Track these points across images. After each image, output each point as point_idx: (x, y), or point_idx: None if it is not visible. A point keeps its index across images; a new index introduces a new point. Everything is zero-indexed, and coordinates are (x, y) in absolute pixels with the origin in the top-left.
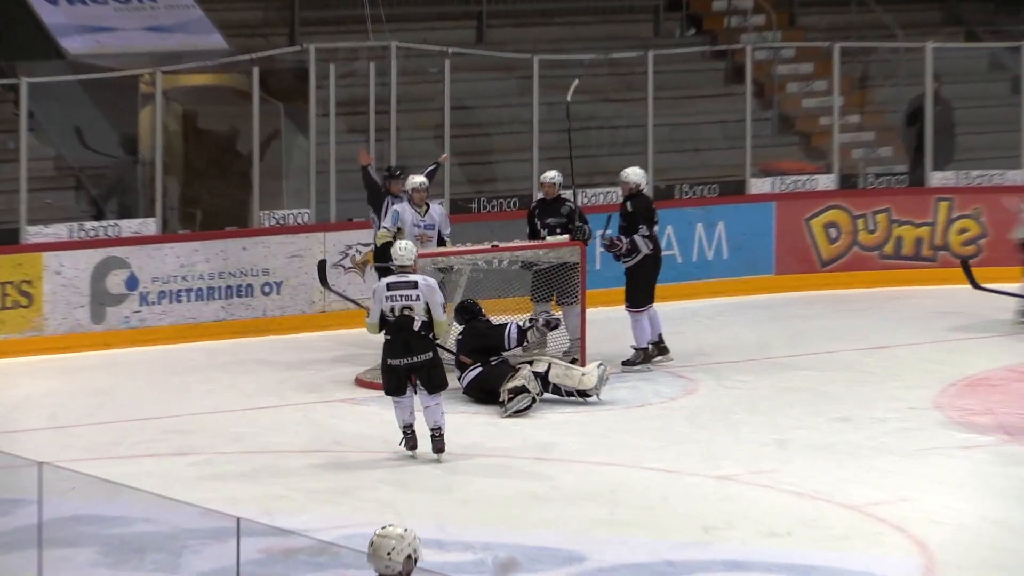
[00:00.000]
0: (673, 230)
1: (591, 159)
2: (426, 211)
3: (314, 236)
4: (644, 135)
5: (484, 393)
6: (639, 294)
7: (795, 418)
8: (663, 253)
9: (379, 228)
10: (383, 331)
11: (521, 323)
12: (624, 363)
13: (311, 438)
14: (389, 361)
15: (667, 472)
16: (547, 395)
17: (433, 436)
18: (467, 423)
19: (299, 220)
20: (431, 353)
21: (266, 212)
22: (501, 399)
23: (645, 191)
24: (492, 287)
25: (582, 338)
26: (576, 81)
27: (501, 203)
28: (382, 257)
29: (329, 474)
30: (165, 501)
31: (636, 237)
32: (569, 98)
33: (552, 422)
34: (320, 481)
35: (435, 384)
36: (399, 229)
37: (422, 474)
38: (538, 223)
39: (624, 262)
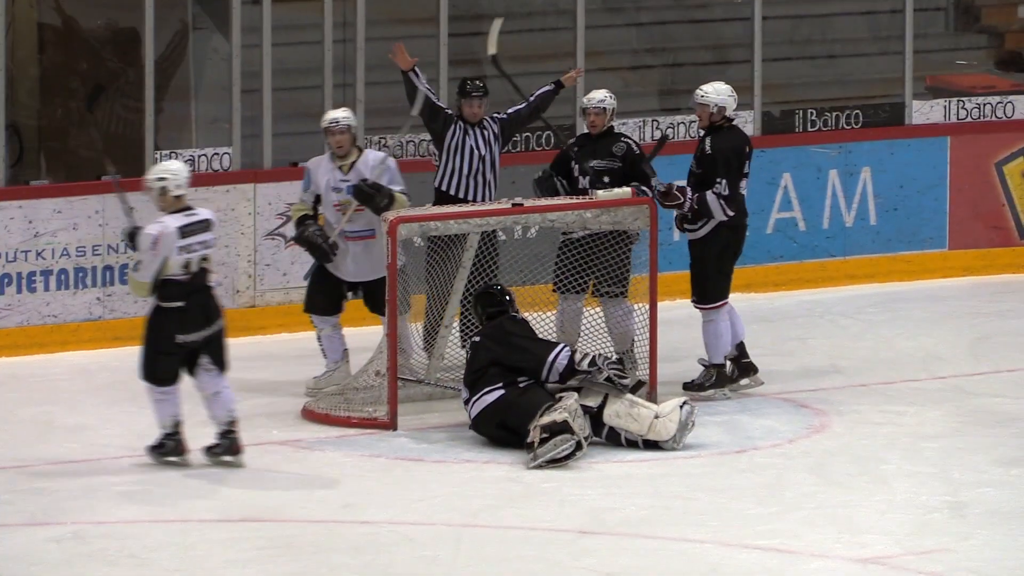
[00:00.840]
0: (792, 181)
1: (661, 71)
2: (351, 165)
3: (239, 190)
4: (748, 32)
5: (503, 430)
6: (713, 281)
7: (977, 470)
8: (780, 215)
9: (441, 169)
10: (162, 297)
11: (578, 355)
12: (687, 386)
13: (235, 501)
14: (179, 338)
15: (782, 553)
16: (595, 439)
17: (228, 434)
18: (474, 476)
19: (216, 165)
20: (222, 318)
21: (166, 153)
22: (530, 439)
23: (737, 123)
24: (512, 268)
25: (652, 355)
26: (497, 22)
27: (527, 139)
28: (313, 249)
29: (263, 556)
30: None
31: (709, 195)
32: (492, 50)
33: (605, 476)
34: (248, 568)
35: (225, 359)
36: (316, 197)
37: (405, 556)
38: (575, 168)
39: (687, 229)
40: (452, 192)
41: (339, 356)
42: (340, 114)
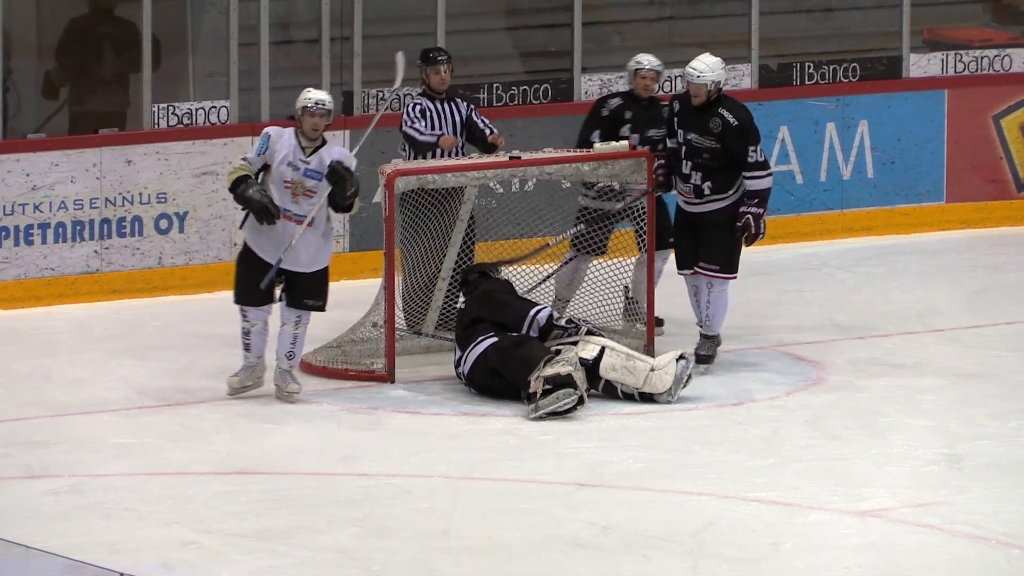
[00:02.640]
0: (789, 135)
1: (659, 25)
2: (315, 149)
3: (236, 143)
4: None
5: (497, 377)
6: (739, 251)
7: (974, 423)
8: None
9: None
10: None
11: (556, 314)
12: (701, 359)
13: (232, 454)
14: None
15: (780, 505)
16: (592, 391)
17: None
18: (472, 429)
19: (214, 119)
20: None
21: (163, 106)
22: (532, 390)
23: (736, 76)
24: (510, 221)
25: (649, 308)
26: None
27: (524, 92)
28: (257, 208)
29: (261, 509)
30: (14, 549)
31: (753, 181)
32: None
33: (602, 429)
34: (246, 520)
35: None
36: (265, 166)
37: (402, 508)
38: (631, 135)
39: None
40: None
41: (262, 351)
42: (325, 96)
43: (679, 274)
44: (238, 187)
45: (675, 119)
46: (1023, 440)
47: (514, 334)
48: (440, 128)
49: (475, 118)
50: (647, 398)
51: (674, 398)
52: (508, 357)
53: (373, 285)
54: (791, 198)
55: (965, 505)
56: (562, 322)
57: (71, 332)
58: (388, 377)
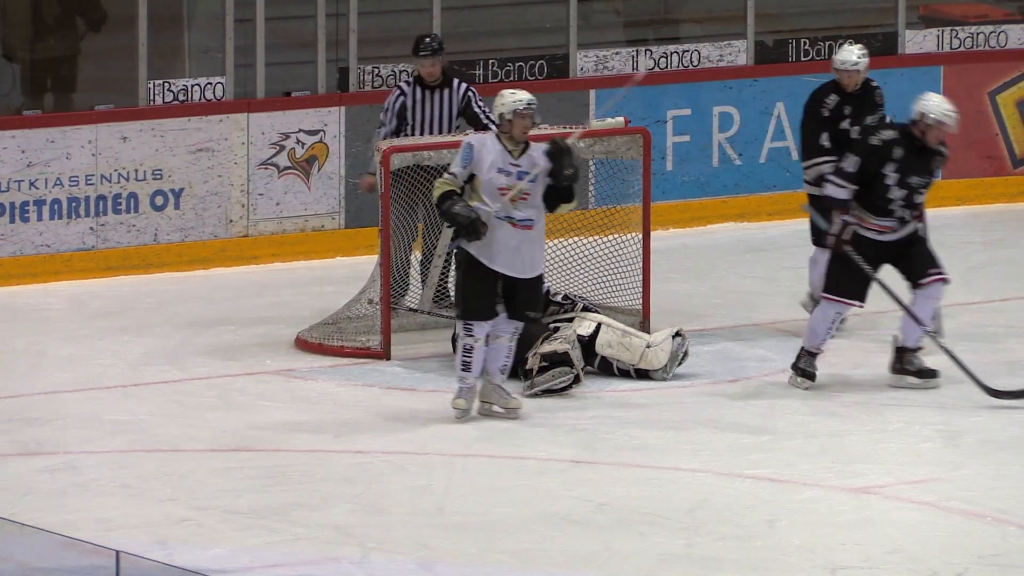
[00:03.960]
0: (785, 111)
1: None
2: (523, 151)
3: (232, 119)
4: None
5: None
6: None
7: (970, 399)
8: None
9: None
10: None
11: (552, 292)
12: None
13: (227, 431)
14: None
15: (775, 482)
16: (588, 368)
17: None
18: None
19: (209, 95)
20: None
21: (159, 83)
22: (529, 366)
23: (731, 51)
24: None
25: (645, 285)
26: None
27: (520, 68)
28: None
29: (256, 486)
30: (8, 526)
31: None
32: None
33: (599, 404)
34: (241, 497)
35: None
36: (472, 176)
37: (397, 485)
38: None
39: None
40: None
41: (481, 370)
42: (531, 96)
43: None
44: (444, 202)
45: (889, 162)
46: (1019, 417)
47: None
48: (424, 118)
49: (475, 106)
50: (643, 375)
51: (669, 375)
52: None
53: (368, 262)
54: (787, 174)
55: (961, 482)
56: (559, 298)
57: (67, 309)
58: (384, 354)
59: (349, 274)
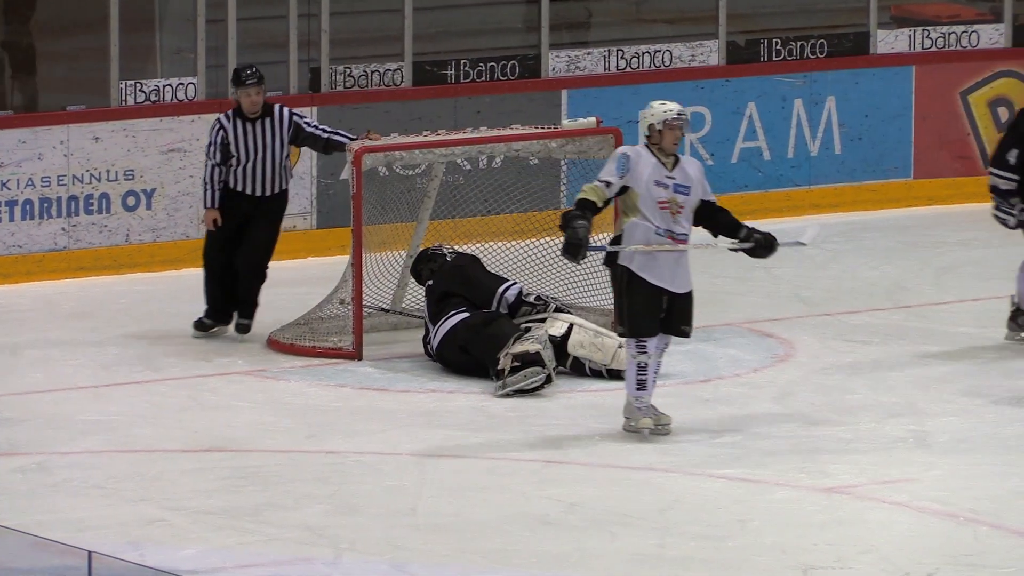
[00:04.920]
0: (757, 111)
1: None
2: (676, 163)
3: (204, 120)
4: None
5: (466, 355)
6: None
7: (942, 399)
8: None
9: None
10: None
11: (525, 292)
12: None
13: (200, 431)
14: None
15: (747, 482)
16: (560, 368)
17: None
18: (439, 407)
19: (181, 96)
20: None
21: (131, 83)
22: (500, 367)
23: (703, 51)
24: (477, 199)
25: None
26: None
27: (492, 68)
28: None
29: (228, 486)
30: None
31: None
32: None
33: (571, 406)
34: (214, 497)
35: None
36: (624, 188)
37: (370, 485)
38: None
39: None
40: (240, 189)
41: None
42: (680, 107)
43: None
44: (575, 211)
45: None
46: (990, 417)
47: (484, 311)
48: (249, 150)
49: (307, 128)
50: (615, 375)
51: None
52: (477, 334)
53: (340, 262)
54: (759, 175)
55: (932, 482)
56: (531, 299)
57: (38, 310)
58: (356, 354)
59: (321, 275)
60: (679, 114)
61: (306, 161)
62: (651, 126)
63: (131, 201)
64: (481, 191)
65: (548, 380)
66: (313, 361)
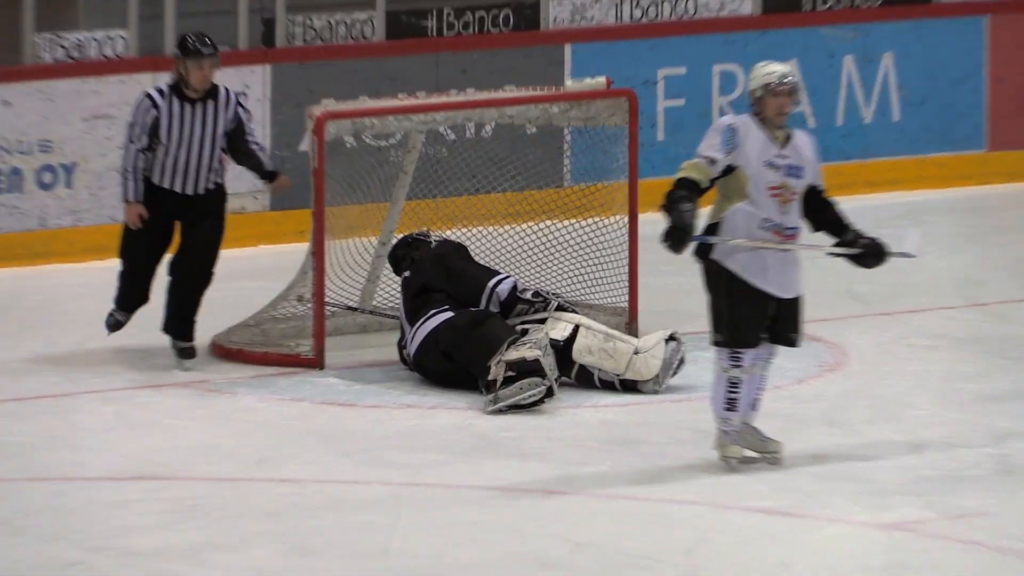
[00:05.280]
0: (800, 69)
1: None
2: (787, 139)
3: (136, 80)
4: None
5: (450, 361)
6: None
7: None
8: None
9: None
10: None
11: (521, 287)
12: None
13: (127, 455)
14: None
15: (789, 517)
16: (564, 379)
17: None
18: (417, 425)
19: (108, 52)
20: None
21: (47, 36)
22: (491, 377)
23: None
24: (464, 174)
25: (632, 279)
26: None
27: (481, 19)
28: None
29: (162, 522)
30: None
31: None
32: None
33: (576, 424)
34: (145, 535)
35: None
36: (729, 168)
37: (332, 521)
38: None
39: None
40: (166, 185)
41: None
42: (789, 68)
43: None
44: (678, 192)
45: None
46: None
47: (471, 309)
48: (188, 139)
49: (247, 131)
50: (630, 387)
51: (662, 387)
52: (464, 337)
53: (299, 251)
54: None
55: (1013, 516)
56: (528, 295)
57: None
58: (317, 362)
59: (275, 265)
60: (783, 78)
61: (257, 128)
62: (752, 92)
63: (47, 178)
64: (468, 165)
65: (549, 393)
66: (265, 370)
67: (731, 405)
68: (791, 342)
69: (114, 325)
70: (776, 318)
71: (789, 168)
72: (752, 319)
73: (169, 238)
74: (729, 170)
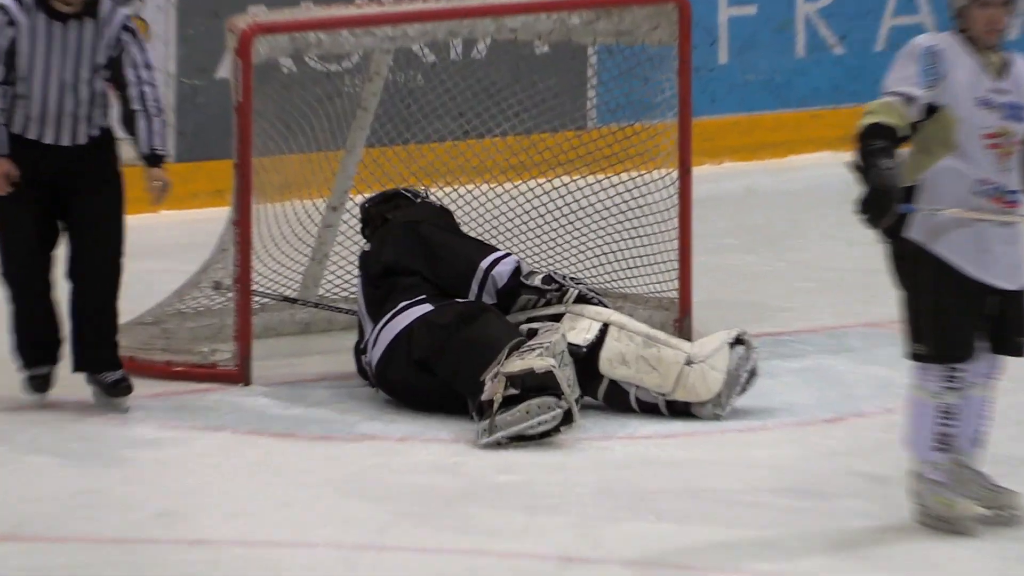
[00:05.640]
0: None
1: None
2: (1003, 66)
3: None
4: None
5: (425, 374)
6: None
7: None
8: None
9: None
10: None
11: (526, 269)
12: None
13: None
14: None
15: None
16: (587, 399)
17: None
18: (381, 463)
19: None
20: None
21: None
22: (485, 397)
23: None
24: (444, 111)
25: (683, 259)
26: None
27: None
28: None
29: None
30: None
31: None
32: None
33: (603, 464)
34: None
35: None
36: (931, 109)
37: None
38: None
39: None
40: (32, 135)
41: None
42: None
43: None
44: (874, 149)
45: None
46: None
47: (458, 300)
48: (49, 66)
49: (128, 63)
50: (680, 410)
51: (726, 410)
52: (447, 340)
53: (216, 218)
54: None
55: None
56: (537, 281)
57: None
58: (240, 375)
59: (183, 239)
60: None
61: (158, 48)
62: (951, 2)
63: None
64: (454, 99)
65: (567, 419)
66: (169, 386)
67: (944, 443)
68: (1020, 349)
69: (36, 384)
70: (999, 318)
71: (1010, 107)
72: (969, 322)
73: (53, 222)
74: (930, 111)
